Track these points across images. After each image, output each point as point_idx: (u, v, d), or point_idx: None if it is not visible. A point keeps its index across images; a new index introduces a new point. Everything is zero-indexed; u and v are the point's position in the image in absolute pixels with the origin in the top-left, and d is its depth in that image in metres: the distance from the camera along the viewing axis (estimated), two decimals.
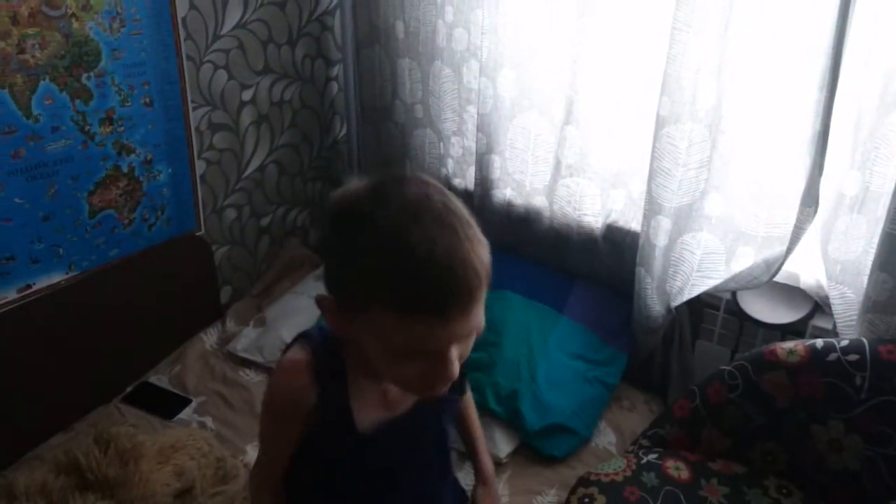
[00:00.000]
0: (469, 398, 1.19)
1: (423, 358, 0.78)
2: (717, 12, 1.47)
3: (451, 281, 0.74)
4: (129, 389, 1.89)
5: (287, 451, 0.96)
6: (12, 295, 1.63)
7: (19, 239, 1.62)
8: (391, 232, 0.74)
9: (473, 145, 2.02)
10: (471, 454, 1.19)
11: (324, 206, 2.54)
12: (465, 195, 2.14)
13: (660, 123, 1.59)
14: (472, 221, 0.80)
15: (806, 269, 1.69)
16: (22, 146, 1.56)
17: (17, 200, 1.59)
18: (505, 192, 2.03)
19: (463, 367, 0.88)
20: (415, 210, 0.75)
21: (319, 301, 0.85)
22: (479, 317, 0.79)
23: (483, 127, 1.94)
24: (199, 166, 2.02)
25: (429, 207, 0.76)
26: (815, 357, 1.40)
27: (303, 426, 0.92)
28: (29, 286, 1.66)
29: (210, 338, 2.08)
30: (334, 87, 2.40)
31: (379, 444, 0.95)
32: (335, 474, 0.98)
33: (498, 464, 1.60)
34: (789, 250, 1.55)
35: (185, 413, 1.81)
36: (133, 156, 1.82)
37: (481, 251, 0.78)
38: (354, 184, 0.82)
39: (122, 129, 1.77)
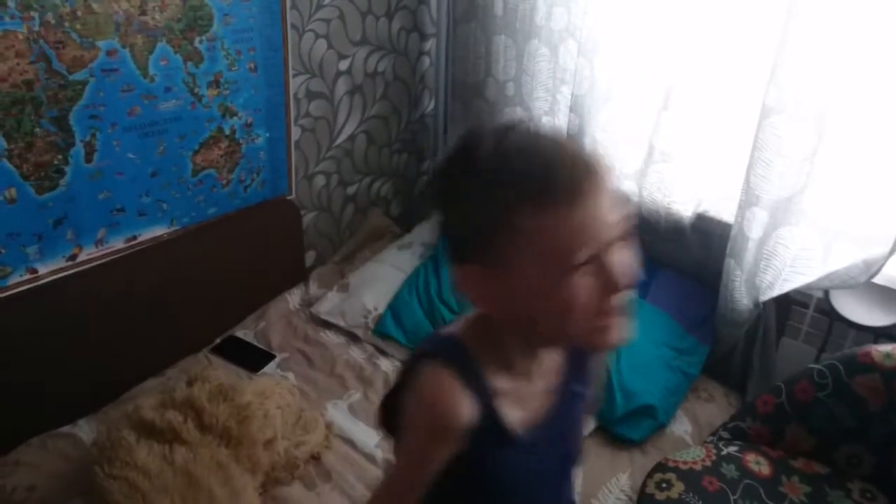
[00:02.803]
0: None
1: (590, 265, 0.73)
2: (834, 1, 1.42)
3: (586, 160, 0.74)
4: (217, 341, 1.97)
5: (433, 476, 0.85)
6: (120, 244, 1.73)
7: (129, 192, 1.71)
8: (518, 141, 0.75)
9: (565, 126, 2.01)
10: None
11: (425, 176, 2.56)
12: None
13: (765, 113, 1.56)
14: None
15: None
16: (137, 104, 1.64)
17: (129, 156, 1.67)
18: None
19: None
20: (529, 126, 0.78)
21: (459, 279, 0.80)
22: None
23: (576, 108, 1.93)
24: (295, 132, 2.08)
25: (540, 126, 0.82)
26: None
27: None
28: (135, 237, 1.76)
29: (294, 298, 2.15)
30: (426, 61, 2.42)
31: (534, 445, 0.88)
32: (489, 486, 0.89)
33: None
34: (892, 252, 1.50)
35: (269, 367, 1.89)
36: (235, 119, 1.88)
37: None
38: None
39: (228, 92, 1.84)
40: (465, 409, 0.80)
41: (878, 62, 1.45)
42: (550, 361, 0.90)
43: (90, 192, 1.62)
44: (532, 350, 0.86)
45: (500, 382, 0.84)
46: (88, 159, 1.59)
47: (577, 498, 1.10)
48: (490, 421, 0.83)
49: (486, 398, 0.82)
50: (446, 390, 0.81)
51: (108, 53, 1.55)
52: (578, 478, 1.54)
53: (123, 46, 1.57)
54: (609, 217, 0.74)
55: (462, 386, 0.80)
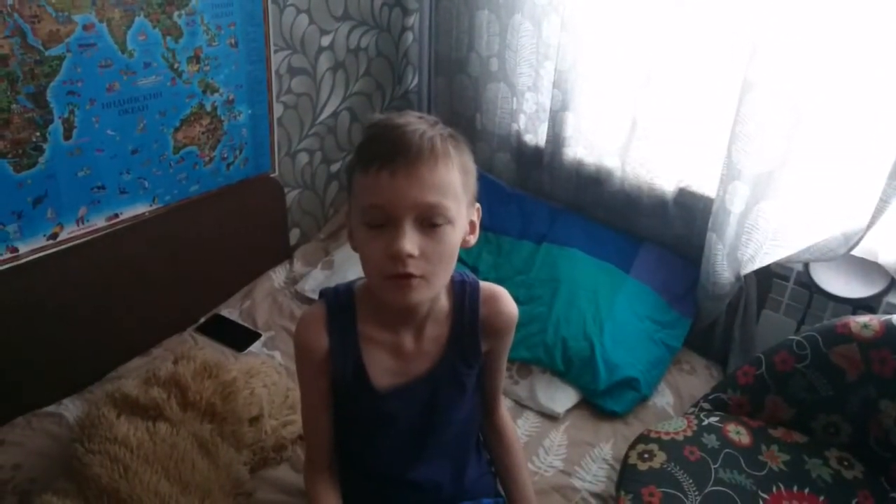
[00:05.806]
0: (515, 444, 1.24)
1: (384, 228, 0.91)
2: None
3: (393, 138, 0.91)
4: (202, 320, 1.97)
5: (320, 403, 1.08)
6: (101, 223, 1.71)
7: (110, 170, 1.69)
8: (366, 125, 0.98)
9: (548, 102, 2.01)
10: None
11: None
12: (536, 152, 2.14)
13: (746, 88, 1.56)
14: (442, 125, 0.97)
15: (885, 245, 1.65)
16: (116, 80, 1.62)
17: (109, 132, 1.65)
18: (576, 151, 2.02)
19: (495, 388, 1.16)
20: (389, 114, 0.98)
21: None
22: (433, 190, 0.90)
23: (560, 83, 1.93)
24: (277, 109, 2.06)
25: (400, 112, 0.97)
26: (890, 332, 1.38)
27: (325, 376, 1.05)
28: (116, 215, 1.74)
29: (278, 277, 2.15)
30: (409, 36, 2.40)
31: (393, 402, 1.06)
32: (355, 434, 1.11)
33: (555, 418, 1.65)
34: (871, 224, 1.52)
35: (255, 346, 1.88)
36: (216, 95, 1.86)
37: (433, 129, 0.94)
38: None
39: (208, 68, 1.81)
40: (320, 338, 1.02)
41: (857, 38, 1.45)
42: (433, 330, 1.05)
43: (70, 169, 1.60)
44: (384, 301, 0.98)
45: (370, 329, 1.04)
46: (67, 136, 1.57)
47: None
48: (353, 365, 1.03)
49: (351, 338, 1.03)
50: (309, 322, 1.05)
51: (85, 28, 1.52)
52: (562, 446, 1.57)
53: (100, 21, 1.54)
54: (408, 188, 0.89)
55: (326, 321, 1.03)
